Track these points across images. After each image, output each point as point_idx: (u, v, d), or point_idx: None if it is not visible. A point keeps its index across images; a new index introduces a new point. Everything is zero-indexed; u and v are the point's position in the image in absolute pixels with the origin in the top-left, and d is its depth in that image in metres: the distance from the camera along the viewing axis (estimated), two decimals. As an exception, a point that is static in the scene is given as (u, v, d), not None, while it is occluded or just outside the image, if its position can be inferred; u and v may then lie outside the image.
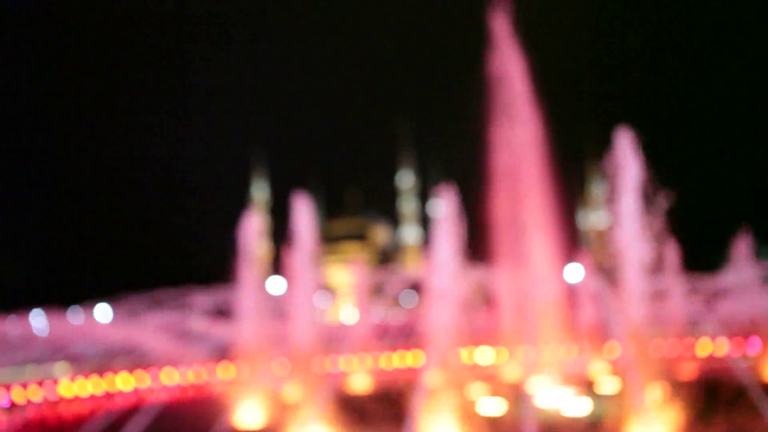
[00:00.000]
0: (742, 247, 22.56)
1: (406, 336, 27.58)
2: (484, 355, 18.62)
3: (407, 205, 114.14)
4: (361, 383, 21.35)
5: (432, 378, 13.32)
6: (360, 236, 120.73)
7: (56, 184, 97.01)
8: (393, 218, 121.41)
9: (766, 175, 69.45)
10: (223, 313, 18.02)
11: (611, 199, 13.95)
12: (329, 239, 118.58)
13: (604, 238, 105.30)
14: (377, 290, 26.23)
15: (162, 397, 18.65)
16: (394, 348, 26.77)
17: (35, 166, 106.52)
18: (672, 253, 22.27)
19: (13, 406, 18.20)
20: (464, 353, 16.12)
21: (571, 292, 19.07)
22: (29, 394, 18.67)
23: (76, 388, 20.73)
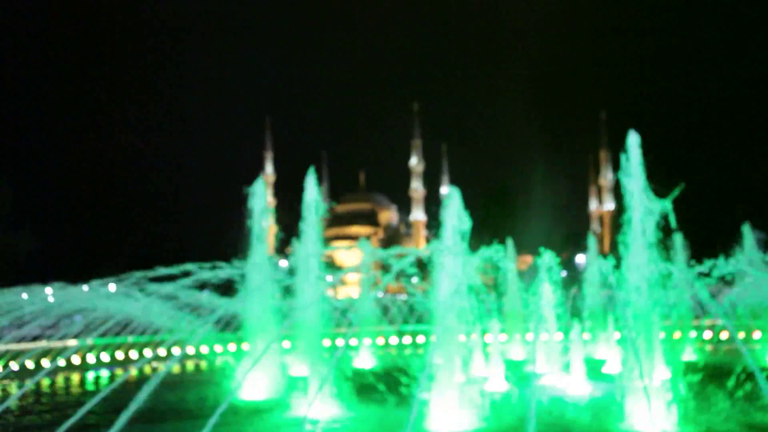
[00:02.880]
0: (748, 237, 22.56)
1: (412, 314, 27.73)
2: (490, 336, 18.69)
3: (416, 187, 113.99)
4: (366, 359, 21.49)
5: (437, 356, 13.37)
6: (368, 216, 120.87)
7: (65, 163, 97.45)
8: (402, 199, 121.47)
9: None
10: (229, 287, 18.12)
11: (621, 190, 13.97)
12: (338, 218, 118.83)
13: (613, 223, 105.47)
14: (384, 268, 26.26)
15: (167, 369, 18.84)
16: (400, 326, 26.93)
17: (45, 147, 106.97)
18: (679, 241, 22.32)
19: (21, 375, 18.40)
20: (470, 333, 16.16)
21: (579, 275, 19.09)
22: (39, 364, 18.88)
23: (87, 358, 20.98)
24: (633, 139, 13.93)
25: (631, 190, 13.58)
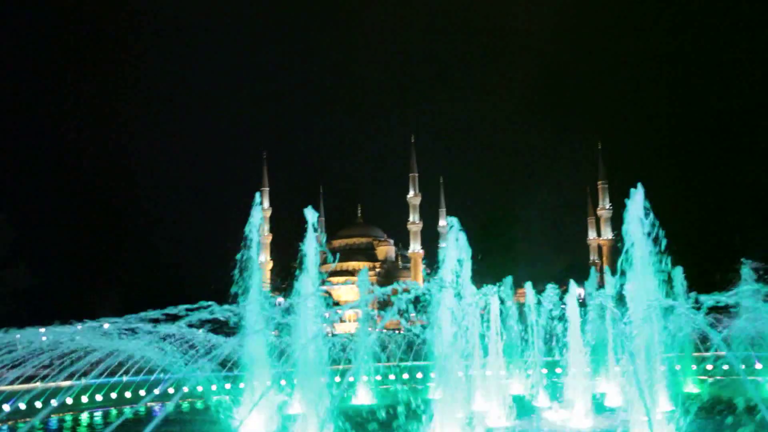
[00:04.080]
0: (748, 266, 22.57)
1: (410, 349, 27.48)
2: (491, 368, 18.52)
3: (414, 220, 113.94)
4: (365, 396, 21.23)
5: (438, 392, 13.24)
6: (366, 250, 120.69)
7: (63, 201, 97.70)
8: (399, 233, 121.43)
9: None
10: (226, 326, 17.98)
11: (620, 222, 14.00)
12: (336, 253, 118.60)
13: (611, 253, 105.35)
14: (382, 304, 26.08)
15: (167, 409, 18.59)
16: (399, 361, 26.67)
17: (46, 183, 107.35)
18: (678, 272, 22.26)
19: (15, 417, 18.13)
20: (470, 366, 16.03)
21: (579, 306, 18.98)
22: (32, 406, 18.62)
23: (81, 399, 20.70)
24: (636, 193, 13.92)
25: (632, 230, 13.60)
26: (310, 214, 16.24)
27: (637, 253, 13.44)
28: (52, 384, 20.32)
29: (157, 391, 19.54)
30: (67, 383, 20.43)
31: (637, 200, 13.61)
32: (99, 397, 21.11)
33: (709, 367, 23.68)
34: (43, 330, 20.05)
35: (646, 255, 13.45)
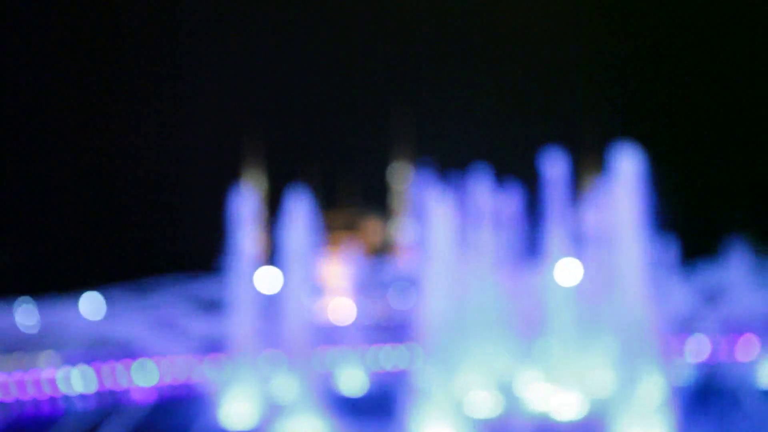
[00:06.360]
0: (739, 247, 22.58)
1: (398, 331, 27.37)
2: (478, 353, 18.43)
3: (401, 199, 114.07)
4: (352, 380, 21.14)
5: (424, 375, 13.16)
6: (353, 229, 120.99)
7: (40, 171, 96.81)
8: (386, 212, 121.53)
9: (764, 174, 69.56)
10: (212, 305, 17.78)
11: (609, 196, 13.87)
12: (322, 231, 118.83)
13: (601, 233, 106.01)
14: (370, 284, 25.99)
15: (148, 393, 18.43)
16: (386, 343, 26.55)
17: (19, 154, 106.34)
18: (669, 251, 22.21)
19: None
20: (457, 351, 15.95)
21: (564, 289, 18.91)
22: (13, 387, 18.41)
23: (60, 381, 20.49)
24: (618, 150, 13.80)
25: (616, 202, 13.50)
26: (296, 197, 15.99)
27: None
28: (38, 368, 20.10)
29: (140, 374, 19.37)
30: (52, 368, 20.22)
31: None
32: (82, 382, 20.90)
33: (701, 351, 23.71)
34: (26, 308, 19.84)
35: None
